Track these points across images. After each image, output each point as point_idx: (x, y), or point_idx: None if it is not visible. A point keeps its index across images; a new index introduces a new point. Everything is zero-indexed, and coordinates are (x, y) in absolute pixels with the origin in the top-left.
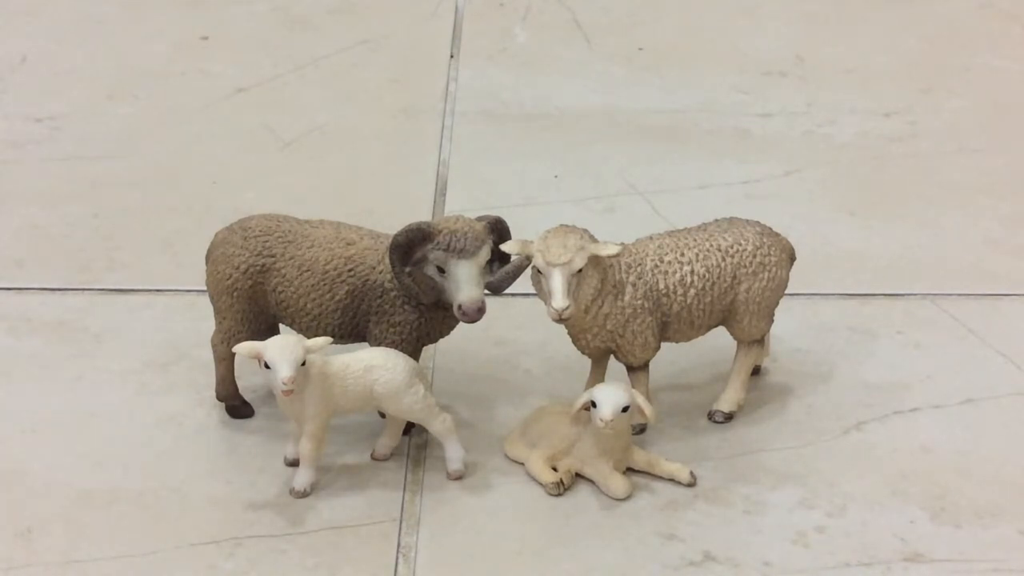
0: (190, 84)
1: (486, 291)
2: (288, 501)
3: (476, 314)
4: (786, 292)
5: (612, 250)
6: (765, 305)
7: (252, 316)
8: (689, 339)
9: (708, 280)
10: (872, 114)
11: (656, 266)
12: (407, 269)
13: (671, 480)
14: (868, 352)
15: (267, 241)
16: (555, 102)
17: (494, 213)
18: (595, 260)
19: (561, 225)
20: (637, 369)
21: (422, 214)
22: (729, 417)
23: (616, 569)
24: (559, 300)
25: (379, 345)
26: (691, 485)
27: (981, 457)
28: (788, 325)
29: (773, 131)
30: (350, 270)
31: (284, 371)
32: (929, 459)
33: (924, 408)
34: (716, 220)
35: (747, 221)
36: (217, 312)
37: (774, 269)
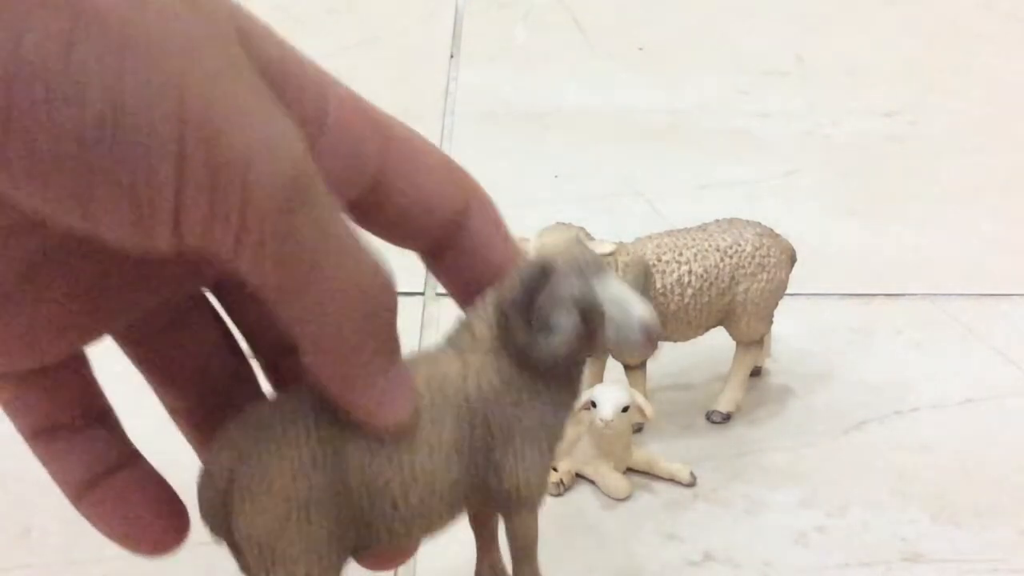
0: None
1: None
2: None
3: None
4: (787, 292)
5: (607, 248)
6: (764, 306)
7: None
8: (687, 339)
9: (706, 280)
10: (872, 114)
11: (653, 265)
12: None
13: (671, 480)
14: (868, 352)
15: None
16: (555, 102)
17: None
18: None
19: (557, 223)
20: (634, 368)
21: None
22: (727, 417)
23: (616, 569)
24: None
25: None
26: (691, 485)
27: (981, 457)
28: (788, 325)
29: (773, 131)
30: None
31: None
32: (929, 459)
33: (924, 408)
34: (716, 220)
35: (747, 222)
36: None
37: (773, 270)
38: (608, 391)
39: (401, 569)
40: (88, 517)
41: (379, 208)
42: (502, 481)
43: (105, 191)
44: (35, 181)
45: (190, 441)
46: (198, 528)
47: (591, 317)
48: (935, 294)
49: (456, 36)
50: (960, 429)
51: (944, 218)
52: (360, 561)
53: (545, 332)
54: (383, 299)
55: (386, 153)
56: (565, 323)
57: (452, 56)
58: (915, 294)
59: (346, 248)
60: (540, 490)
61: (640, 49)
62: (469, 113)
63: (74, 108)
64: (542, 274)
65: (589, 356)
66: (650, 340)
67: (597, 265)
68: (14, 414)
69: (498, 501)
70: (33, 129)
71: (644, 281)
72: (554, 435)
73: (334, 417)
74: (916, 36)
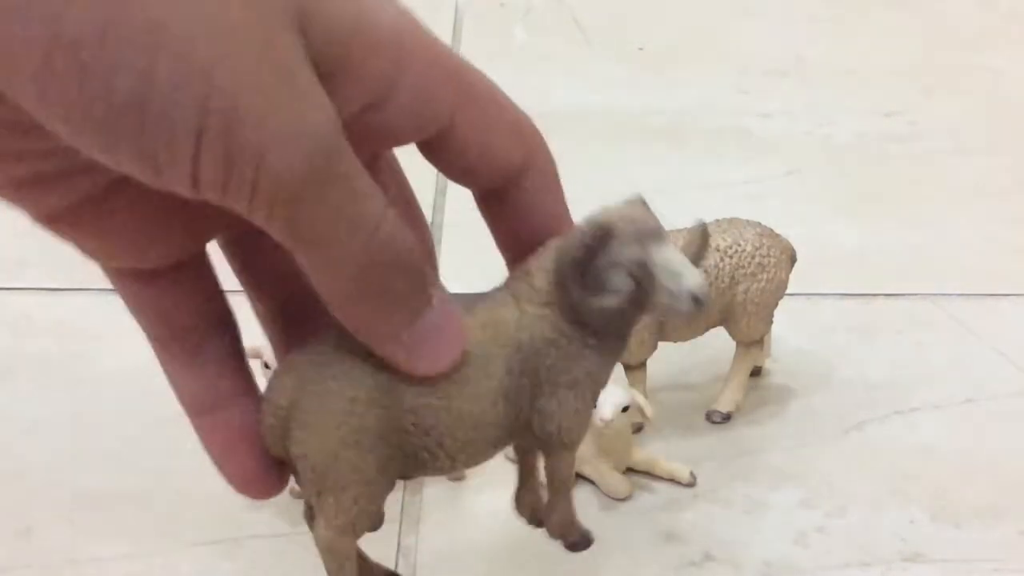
0: None
1: None
2: (288, 501)
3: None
4: (787, 292)
5: None
6: (763, 306)
7: None
8: (687, 339)
9: (705, 280)
10: (872, 114)
11: None
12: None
13: (671, 480)
14: (868, 352)
15: None
16: (555, 102)
17: None
18: None
19: None
20: (634, 368)
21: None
22: (727, 418)
23: (616, 569)
24: None
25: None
26: (691, 485)
27: (981, 457)
28: (788, 325)
29: (773, 131)
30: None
31: None
32: (929, 459)
33: (924, 408)
34: (716, 220)
35: (747, 222)
36: None
37: (773, 270)
38: (608, 391)
39: (401, 556)
40: (200, 438)
41: (442, 150)
42: (544, 425)
43: (129, 151)
44: (70, 132)
45: (275, 348)
46: (198, 528)
47: (644, 283)
48: (935, 294)
49: (456, 36)
50: (960, 429)
51: (944, 218)
52: None
53: (599, 293)
54: (399, 260)
55: (458, 108)
56: (619, 286)
57: None
58: (915, 294)
59: (359, 223)
60: (580, 434)
61: (640, 49)
62: None
63: (104, 86)
64: (602, 236)
65: (640, 317)
66: (698, 308)
67: (657, 231)
68: (139, 315)
69: (539, 441)
70: (67, 94)
71: (700, 244)
72: (598, 384)
73: None
74: (916, 36)
